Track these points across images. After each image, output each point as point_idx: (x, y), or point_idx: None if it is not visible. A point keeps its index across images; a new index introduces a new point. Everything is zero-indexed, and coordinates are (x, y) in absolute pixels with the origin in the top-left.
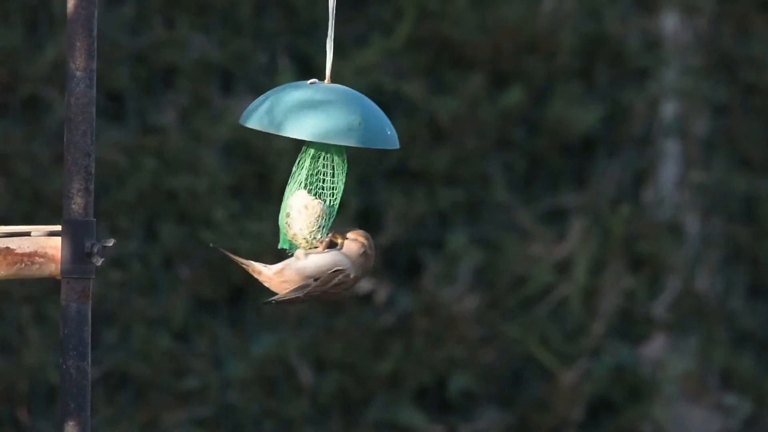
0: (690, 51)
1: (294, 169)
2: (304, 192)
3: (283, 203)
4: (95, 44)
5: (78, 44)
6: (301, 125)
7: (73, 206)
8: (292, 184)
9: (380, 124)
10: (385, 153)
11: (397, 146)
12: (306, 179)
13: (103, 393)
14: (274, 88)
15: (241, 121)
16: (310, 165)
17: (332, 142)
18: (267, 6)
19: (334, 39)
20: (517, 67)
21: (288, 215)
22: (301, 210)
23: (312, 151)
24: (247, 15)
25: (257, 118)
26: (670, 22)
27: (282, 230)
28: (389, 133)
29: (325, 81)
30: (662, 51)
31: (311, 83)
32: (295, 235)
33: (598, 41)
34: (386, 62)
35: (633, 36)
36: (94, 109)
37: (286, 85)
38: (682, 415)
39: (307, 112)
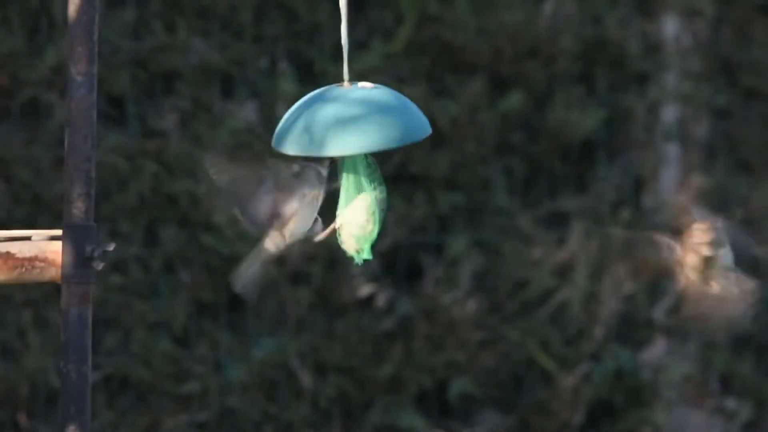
0: (690, 55)
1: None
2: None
3: (361, 215)
4: (96, 48)
5: (79, 48)
6: (345, 141)
7: (74, 211)
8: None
9: (414, 117)
10: (385, 157)
11: (430, 130)
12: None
13: (104, 397)
14: (301, 103)
15: (275, 146)
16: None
17: (379, 149)
18: (268, 10)
19: (335, 42)
20: (517, 71)
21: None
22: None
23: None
24: (247, 19)
25: (294, 141)
26: (670, 27)
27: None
28: (422, 121)
29: (344, 84)
30: (662, 55)
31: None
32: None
33: (599, 46)
34: (386, 67)
35: (633, 40)
36: (94, 114)
37: (312, 96)
38: (683, 419)
39: (347, 127)
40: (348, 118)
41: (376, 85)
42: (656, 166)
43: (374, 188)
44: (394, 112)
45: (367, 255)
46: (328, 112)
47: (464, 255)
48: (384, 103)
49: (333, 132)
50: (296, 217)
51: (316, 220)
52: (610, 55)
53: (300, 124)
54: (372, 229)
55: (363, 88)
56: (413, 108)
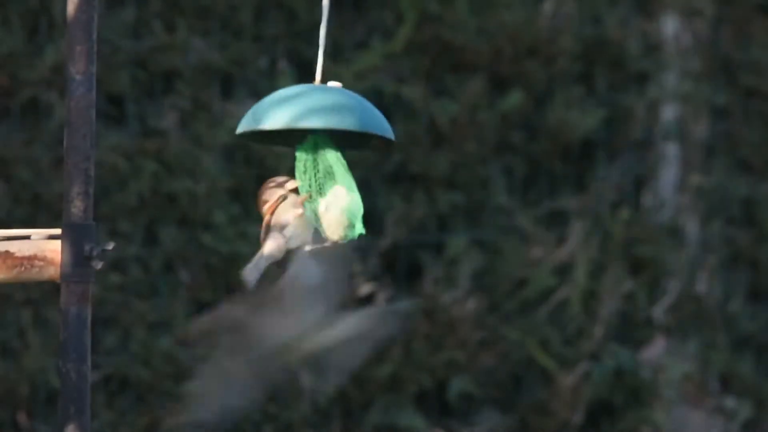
0: (690, 55)
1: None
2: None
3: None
4: (95, 48)
5: (78, 48)
6: (276, 115)
7: (73, 210)
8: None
9: (372, 112)
10: (385, 156)
11: (393, 137)
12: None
13: (103, 396)
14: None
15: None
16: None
17: (322, 126)
18: (267, 10)
19: (334, 42)
20: (517, 71)
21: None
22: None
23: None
24: (247, 19)
25: (242, 122)
26: (670, 26)
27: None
28: (380, 121)
29: (315, 82)
30: (662, 55)
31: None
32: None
33: (598, 45)
34: (386, 66)
35: (633, 40)
36: (93, 113)
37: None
38: (682, 419)
39: (281, 103)
40: (286, 97)
41: (346, 90)
42: (656, 165)
43: (343, 164)
44: (344, 103)
45: (361, 228)
46: (273, 94)
47: (464, 254)
48: (339, 97)
49: (270, 108)
50: (295, 222)
51: (314, 231)
52: (610, 54)
53: (252, 109)
54: (359, 201)
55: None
56: (373, 110)
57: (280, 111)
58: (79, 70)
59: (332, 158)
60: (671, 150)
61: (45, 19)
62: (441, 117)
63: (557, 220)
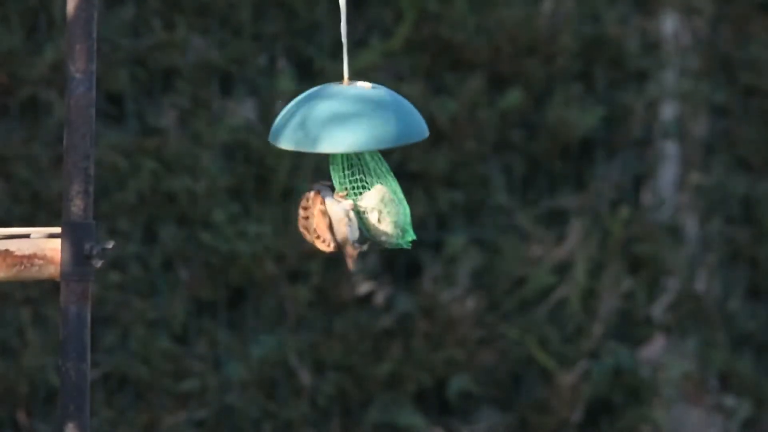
0: (689, 53)
1: (342, 174)
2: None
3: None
4: (95, 46)
5: (77, 46)
6: (337, 139)
7: (73, 208)
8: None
9: (411, 119)
10: (384, 154)
11: (427, 134)
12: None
13: (103, 395)
14: (299, 99)
15: (271, 140)
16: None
17: (371, 149)
18: (267, 8)
19: (334, 40)
20: (516, 69)
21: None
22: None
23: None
24: (246, 17)
25: (289, 136)
26: (669, 24)
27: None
28: (419, 123)
29: (344, 82)
30: (662, 53)
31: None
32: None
33: (598, 43)
34: (386, 64)
35: (632, 38)
36: (93, 112)
37: (310, 93)
38: (682, 417)
39: (340, 125)
40: (342, 116)
41: (375, 85)
42: (655, 163)
43: (386, 170)
44: (389, 112)
45: (412, 235)
46: (323, 108)
47: (463, 253)
48: (380, 103)
49: (326, 129)
50: (353, 215)
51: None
52: (609, 52)
53: (296, 120)
54: (406, 207)
55: (361, 87)
56: (411, 109)
57: (332, 133)
58: (78, 68)
59: (372, 162)
60: (671, 148)
61: (44, 18)
62: (440, 115)
63: (556, 219)
